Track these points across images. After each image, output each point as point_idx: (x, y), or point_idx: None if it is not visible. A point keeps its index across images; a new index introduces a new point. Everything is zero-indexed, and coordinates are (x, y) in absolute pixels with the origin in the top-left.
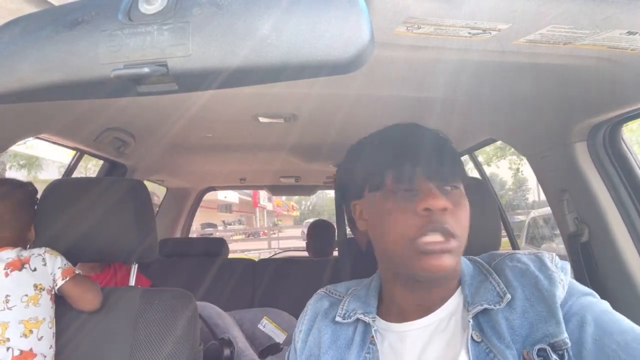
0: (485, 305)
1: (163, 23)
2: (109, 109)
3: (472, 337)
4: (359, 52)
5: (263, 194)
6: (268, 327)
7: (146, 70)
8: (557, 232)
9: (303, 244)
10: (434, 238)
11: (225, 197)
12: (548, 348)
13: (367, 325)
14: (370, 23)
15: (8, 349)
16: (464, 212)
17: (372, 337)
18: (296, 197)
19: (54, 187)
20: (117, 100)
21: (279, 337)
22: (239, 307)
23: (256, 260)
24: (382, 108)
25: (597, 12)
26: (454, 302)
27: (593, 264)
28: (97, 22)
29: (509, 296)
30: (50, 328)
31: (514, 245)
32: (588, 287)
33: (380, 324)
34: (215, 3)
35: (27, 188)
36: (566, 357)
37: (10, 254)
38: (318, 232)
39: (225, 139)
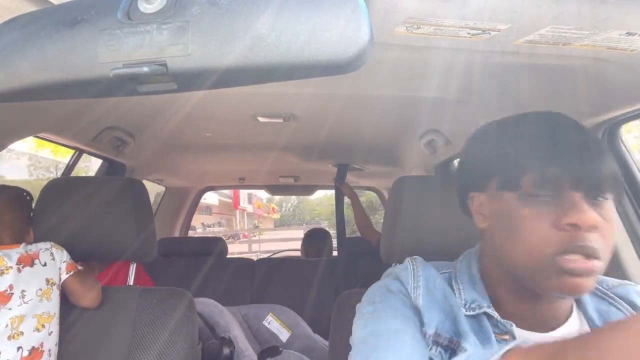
0: None
1: (162, 22)
2: (108, 108)
3: None
4: (359, 52)
5: (243, 196)
6: (273, 324)
7: (145, 69)
8: None
9: (285, 245)
10: (576, 258)
11: (205, 198)
12: None
13: (492, 321)
14: (369, 23)
15: (18, 348)
16: (613, 230)
17: (500, 334)
18: (277, 199)
19: (52, 186)
20: (117, 100)
21: (284, 334)
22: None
23: (254, 259)
24: (381, 108)
25: (596, 12)
26: (577, 319)
27: None
28: (96, 21)
29: None
30: (58, 324)
31: None
32: None
33: (509, 327)
34: (214, 2)
35: (17, 191)
36: None
37: (18, 249)
38: (314, 241)
39: (224, 138)
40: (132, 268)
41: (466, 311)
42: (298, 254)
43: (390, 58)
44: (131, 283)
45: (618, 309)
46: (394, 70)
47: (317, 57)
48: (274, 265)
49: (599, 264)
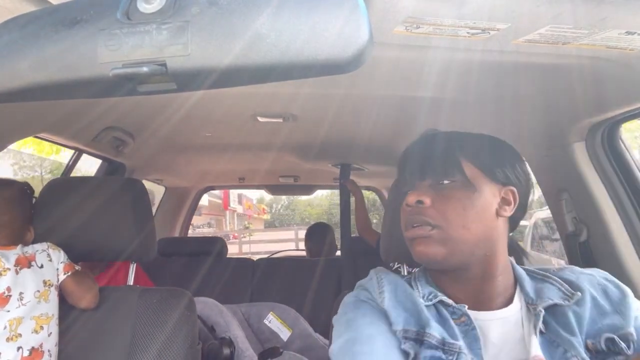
0: (555, 301)
1: (162, 22)
2: (108, 108)
3: (539, 329)
4: (358, 51)
5: (233, 197)
6: (274, 322)
7: (145, 69)
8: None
9: (275, 247)
10: (411, 229)
11: None
12: (616, 337)
13: (449, 308)
14: (369, 23)
15: (19, 348)
16: (451, 204)
17: (458, 318)
18: (267, 200)
19: (52, 186)
20: (116, 100)
21: (284, 333)
22: None
23: (254, 259)
24: (380, 108)
25: (595, 12)
26: (518, 299)
27: (591, 264)
28: (96, 21)
29: (579, 294)
30: (57, 325)
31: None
32: None
33: (463, 309)
34: (214, 2)
35: (18, 186)
36: (632, 348)
37: (15, 251)
38: (318, 236)
39: (224, 138)
40: (132, 268)
41: (426, 302)
42: (294, 254)
43: (390, 58)
44: (131, 283)
45: (552, 284)
46: (394, 69)
47: (317, 57)
48: (274, 265)
49: (432, 231)
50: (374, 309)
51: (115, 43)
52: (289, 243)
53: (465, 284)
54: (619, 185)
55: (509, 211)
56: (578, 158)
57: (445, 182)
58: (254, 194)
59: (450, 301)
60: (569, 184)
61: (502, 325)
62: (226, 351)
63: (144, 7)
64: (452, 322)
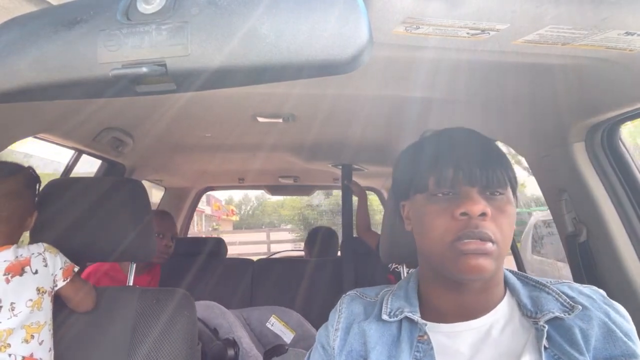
0: (557, 314)
1: (161, 23)
2: (108, 109)
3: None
4: (358, 52)
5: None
6: (276, 325)
7: (144, 70)
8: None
9: (244, 249)
10: (470, 241)
11: None
12: None
13: (413, 324)
14: (368, 23)
15: (10, 355)
16: (507, 218)
17: (421, 336)
18: (236, 201)
19: (51, 187)
20: (116, 100)
21: (287, 336)
22: (238, 307)
23: (254, 260)
24: (380, 108)
25: (595, 12)
26: (507, 307)
27: (591, 264)
28: (95, 22)
29: (579, 307)
30: (50, 331)
31: (517, 257)
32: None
33: (427, 324)
34: (213, 3)
35: (24, 173)
36: None
37: (7, 255)
38: (320, 241)
39: (223, 138)
40: (132, 268)
41: (390, 318)
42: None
43: (389, 58)
44: (131, 283)
45: (548, 293)
46: (393, 70)
47: (316, 57)
48: (274, 265)
49: (492, 247)
50: (323, 356)
51: (115, 43)
52: (260, 245)
53: (462, 295)
54: (618, 185)
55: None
56: (578, 158)
57: (501, 194)
58: (223, 195)
59: (415, 317)
60: (568, 184)
61: (478, 332)
62: (230, 352)
63: (143, 8)
64: (406, 339)
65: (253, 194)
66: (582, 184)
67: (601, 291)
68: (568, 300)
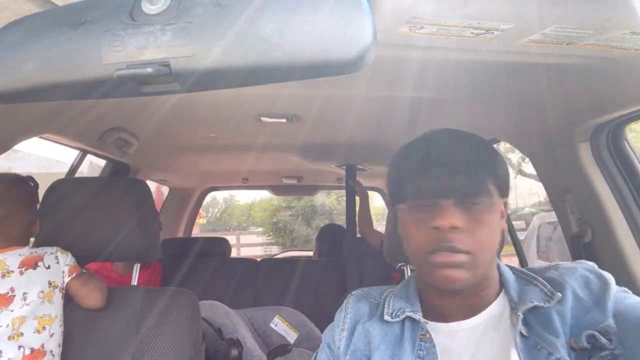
0: (536, 303)
1: (166, 23)
2: (112, 109)
3: (520, 332)
4: (362, 52)
5: None
6: (280, 325)
7: (149, 70)
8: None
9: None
10: (442, 254)
11: None
12: (596, 333)
13: (415, 324)
14: (373, 23)
15: (20, 347)
16: (483, 228)
17: (423, 334)
18: (204, 204)
19: (56, 186)
20: (120, 100)
21: (291, 336)
22: (242, 307)
23: (258, 260)
24: (384, 108)
25: (600, 12)
26: (500, 304)
27: (596, 265)
28: (100, 22)
29: (559, 295)
30: (60, 326)
31: (522, 260)
32: None
33: (428, 323)
34: (218, 3)
35: (26, 183)
36: (614, 342)
37: (23, 251)
38: (330, 237)
39: (227, 139)
40: (136, 268)
41: (392, 319)
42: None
43: (394, 58)
44: (135, 283)
45: (535, 285)
46: (397, 70)
47: (321, 58)
48: (277, 265)
49: (465, 258)
50: (330, 355)
51: (120, 44)
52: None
53: (453, 298)
54: (623, 186)
55: (503, 223)
56: (583, 158)
57: (477, 204)
58: None
59: (416, 317)
60: (573, 185)
61: (476, 331)
62: (234, 352)
63: (148, 8)
64: (409, 338)
65: (221, 195)
66: (587, 185)
67: (590, 264)
68: (550, 288)
